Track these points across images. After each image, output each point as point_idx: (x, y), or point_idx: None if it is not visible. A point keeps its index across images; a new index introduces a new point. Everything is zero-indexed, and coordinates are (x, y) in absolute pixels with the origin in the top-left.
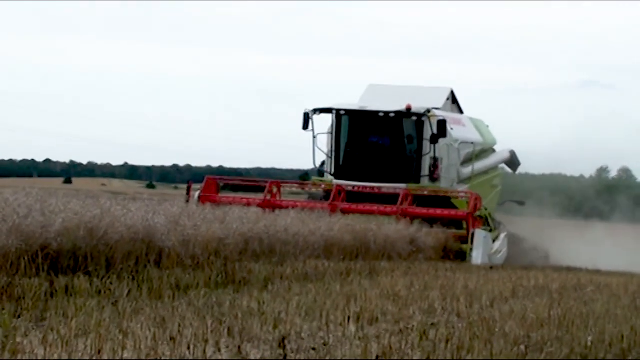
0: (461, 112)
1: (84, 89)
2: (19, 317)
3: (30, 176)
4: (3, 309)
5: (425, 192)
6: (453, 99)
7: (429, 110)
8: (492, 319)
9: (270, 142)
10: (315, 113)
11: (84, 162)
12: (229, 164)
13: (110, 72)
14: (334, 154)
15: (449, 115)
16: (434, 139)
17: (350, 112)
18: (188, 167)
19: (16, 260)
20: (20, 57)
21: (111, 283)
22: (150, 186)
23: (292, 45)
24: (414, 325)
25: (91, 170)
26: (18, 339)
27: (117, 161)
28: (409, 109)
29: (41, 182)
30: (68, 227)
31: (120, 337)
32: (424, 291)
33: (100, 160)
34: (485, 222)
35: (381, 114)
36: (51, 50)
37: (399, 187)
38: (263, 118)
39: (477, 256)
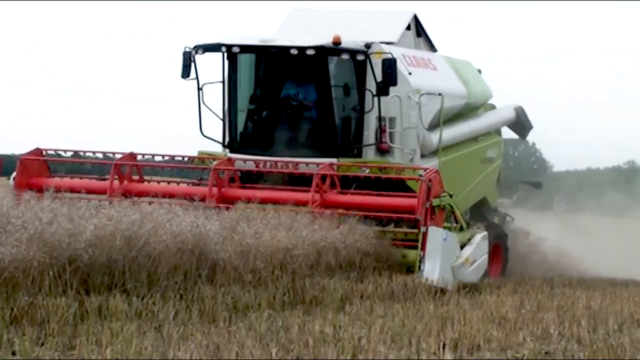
0: (433, 49)
1: None
2: (42, 344)
3: None
4: (24, 335)
5: (366, 171)
6: (417, 29)
7: (368, 46)
8: (621, 347)
9: None
10: (198, 52)
11: None
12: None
13: None
14: (227, 114)
15: (409, 53)
16: (381, 90)
17: (247, 49)
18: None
19: (39, 276)
20: None
21: (154, 303)
22: None
23: None
24: (525, 354)
25: None
26: None
27: None
28: (336, 42)
29: None
30: (101, 236)
31: None
32: (536, 313)
33: None
34: (450, 215)
35: (294, 51)
36: None
37: (328, 162)
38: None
39: (432, 269)
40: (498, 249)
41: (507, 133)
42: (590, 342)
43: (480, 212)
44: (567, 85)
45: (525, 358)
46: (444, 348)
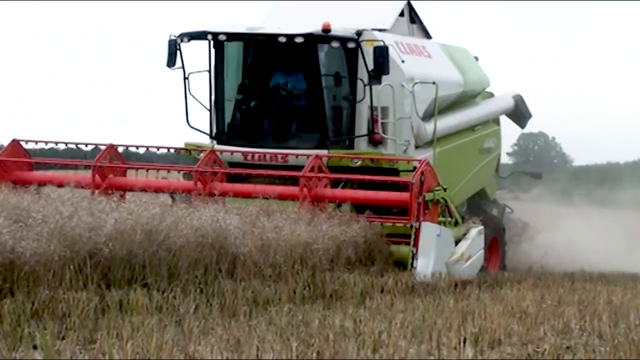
0: (427, 36)
1: None
2: (63, 338)
3: None
4: (45, 329)
5: (357, 163)
6: (411, 15)
7: (359, 33)
8: None
9: None
10: (184, 40)
11: None
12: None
13: None
14: (214, 104)
15: (402, 40)
16: (373, 79)
17: (234, 37)
18: None
19: (60, 270)
20: None
21: (174, 297)
22: None
23: None
24: (546, 349)
25: None
26: None
27: None
28: (326, 30)
29: None
30: (121, 230)
31: None
32: (557, 307)
33: None
34: (444, 209)
35: (282, 39)
36: None
37: (318, 154)
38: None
39: (425, 265)
40: (496, 242)
41: (528, 127)
42: (612, 336)
43: (478, 203)
44: (582, 77)
45: (546, 353)
46: (464, 342)
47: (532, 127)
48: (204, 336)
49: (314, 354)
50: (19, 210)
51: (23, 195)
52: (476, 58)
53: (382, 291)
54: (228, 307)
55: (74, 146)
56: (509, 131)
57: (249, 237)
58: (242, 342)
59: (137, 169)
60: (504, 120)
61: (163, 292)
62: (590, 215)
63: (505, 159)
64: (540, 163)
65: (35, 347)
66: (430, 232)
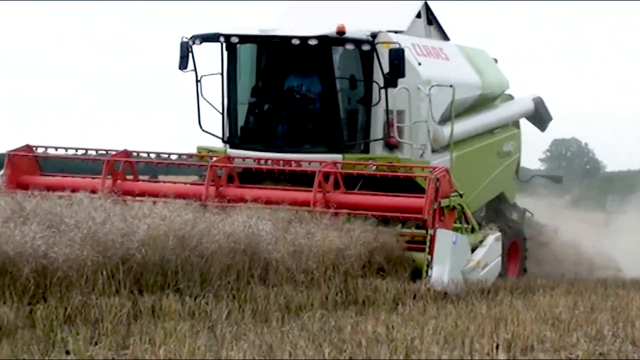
0: (445, 37)
1: None
2: (96, 343)
3: None
4: (77, 334)
5: (373, 167)
6: (428, 17)
7: (374, 35)
8: None
9: None
10: (195, 42)
11: None
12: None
13: None
14: (227, 108)
15: (419, 42)
16: (389, 81)
17: (247, 39)
18: None
19: (92, 276)
20: None
21: (207, 303)
22: None
23: None
24: (578, 355)
25: None
26: None
27: None
28: (341, 32)
29: None
30: (154, 236)
31: None
32: (590, 314)
33: None
34: (461, 216)
35: (295, 41)
36: None
37: (332, 159)
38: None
39: (440, 273)
40: (516, 247)
41: (560, 133)
42: None
43: (498, 208)
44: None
45: (579, 359)
46: (497, 349)
47: (564, 132)
48: (237, 342)
49: None
50: (52, 215)
51: (56, 200)
52: (495, 60)
53: (414, 297)
54: (260, 312)
55: (85, 151)
56: (540, 136)
57: (281, 243)
58: (275, 348)
59: (150, 181)
60: (530, 127)
61: (195, 298)
62: (622, 220)
63: (537, 165)
64: (572, 169)
65: (68, 353)
66: (445, 239)
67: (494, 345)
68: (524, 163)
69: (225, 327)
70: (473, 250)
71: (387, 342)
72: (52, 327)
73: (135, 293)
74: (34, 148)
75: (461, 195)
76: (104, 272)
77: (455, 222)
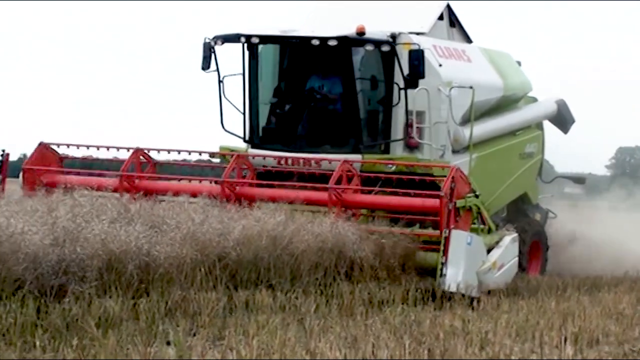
0: (468, 40)
1: None
2: (194, 335)
3: None
4: (177, 326)
5: (392, 168)
6: (451, 19)
7: (394, 36)
8: None
9: None
10: (217, 43)
11: None
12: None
13: None
14: (248, 108)
15: (440, 44)
16: (409, 82)
17: (267, 40)
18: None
19: (191, 272)
20: None
21: (296, 298)
22: None
23: None
24: None
25: None
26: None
27: None
28: (360, 32)
29: None
30: (248, 235)
31: (307, 358)
32: None
33: None
34: (477, 216)
35: (315, 42)
36: None
37: (352, 159)
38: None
39: (454, 275)
40: (537, 246)
41: (625, 141)
42: None
43: (520, 208)
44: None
45: None
46: (565, 341)
47: (629, 141)
48: (324, 334)
49: (425, 352)
50: (155, 217)
51: (159, 203)
52: (519, 62)
53: (488, 293)
54: (346, 307)
55: (106, 149)
56: (607, 143)
57: (365, 242)
58: (359, 340)
59: (168, 179)
60: (596, 136)
61: (286, 293)
62: None
63: (603, 171)
64: (636, 175)
65: (168, 343)
66: (460, 240)
67: (562, 338)
68: (592, 170)
69: (313, 320)
70: (489, 251)
71: (463, 335)
72: (154, 319)
73: (231, 288)
74: (51, 146)
75: (477, 196)
76: (202, 269)
77: (471, 223)
